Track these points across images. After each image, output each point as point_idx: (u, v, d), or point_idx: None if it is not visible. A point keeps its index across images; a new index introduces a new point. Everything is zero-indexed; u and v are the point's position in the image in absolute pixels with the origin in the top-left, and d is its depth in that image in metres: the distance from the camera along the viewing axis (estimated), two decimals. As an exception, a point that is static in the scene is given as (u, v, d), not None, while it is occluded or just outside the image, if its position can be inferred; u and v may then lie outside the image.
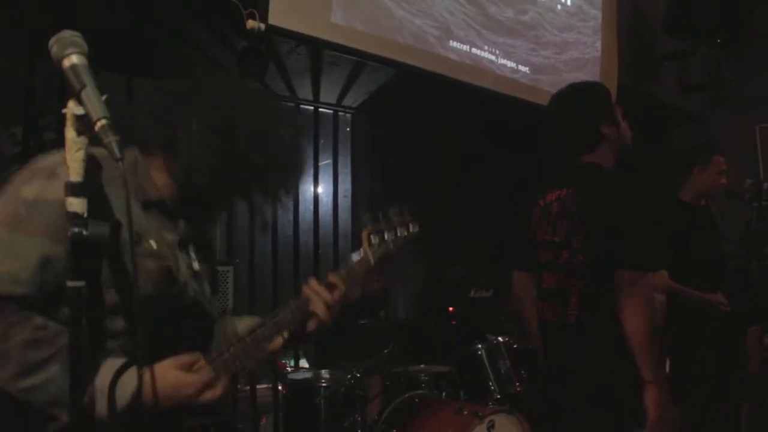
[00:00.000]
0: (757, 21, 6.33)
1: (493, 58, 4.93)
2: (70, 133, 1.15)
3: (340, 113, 5.84)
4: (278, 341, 1.75)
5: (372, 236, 2.06)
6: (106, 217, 1.34)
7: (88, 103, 1.11)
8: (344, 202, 5.94)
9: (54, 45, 1.17)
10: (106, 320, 1.40)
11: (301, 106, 5.53)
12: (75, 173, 1.13)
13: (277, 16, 3.60)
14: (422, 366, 4.11)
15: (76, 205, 1.12)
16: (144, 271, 1.45)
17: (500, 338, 4.09)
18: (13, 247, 1.31)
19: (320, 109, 5.69)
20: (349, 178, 5.94)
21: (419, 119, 5.74)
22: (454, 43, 4.61)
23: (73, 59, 1.15)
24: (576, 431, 2.64)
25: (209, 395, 1.53)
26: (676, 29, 6.02)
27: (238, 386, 4.02)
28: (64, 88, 1.23)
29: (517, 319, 4.49)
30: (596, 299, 2.55)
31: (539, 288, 2.83)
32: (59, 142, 1.19)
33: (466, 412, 3.34)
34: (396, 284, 5.00)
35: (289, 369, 4.81)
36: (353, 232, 5.90)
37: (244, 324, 1.79)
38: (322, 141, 5.75)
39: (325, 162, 5.82)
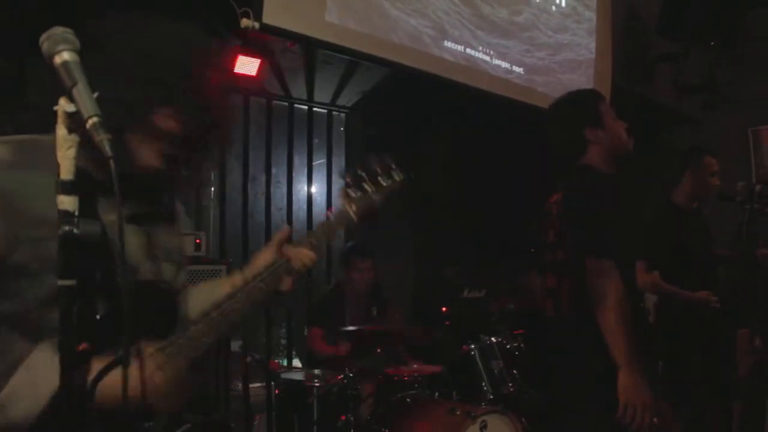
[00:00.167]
0: (750, 24, 6.36)
1: (487, 58, 4.93)
2: (61, 130, 1.15)
3: (334, 112, 5.84)
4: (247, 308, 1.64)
5: (351, 191, 1.95)
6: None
7: (79, 101, 1.10)
8: (338, 202, 5.92)
9: (45, 41, 1.16)
10: (44, 312, 1.34)
11: (295, 105, 5.53)
12: (66, 171, 1.13)
13: (272, 15, 3.59)
14: (415, 366, 4.11)
15: (67, 203, 1.11)
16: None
17: (493, 338, 4.09)
18: None
19: (314, 109, 5.69)
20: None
21: (413, 119, 5.74)
22: (448, 44, 4.61)
23: (65, 56, 1.14)
24: (575, 430, 2.71)
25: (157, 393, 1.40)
26: (670, 31, 6.03)
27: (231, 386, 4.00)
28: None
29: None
30: (584, 296, 2.61)
31: (545, 288, 2.92)
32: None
33: (458, 413, 3.35)
34: (387, 282, 4.98)
35: (282, 369, 4.82)
36: (346, 231, 5.90)
37: (217, 290, 1.72)
38: (316, 140, 5.75)
39: (319, 161, 5.81)
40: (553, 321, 2.85)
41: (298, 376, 4.00)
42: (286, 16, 3.71)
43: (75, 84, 1.11)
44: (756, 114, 6.60)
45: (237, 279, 1.75)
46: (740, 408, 4.56)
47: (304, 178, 5.71)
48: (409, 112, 5.61)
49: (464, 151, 6.18)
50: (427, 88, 4.89)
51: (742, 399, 4.54)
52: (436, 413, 3.46)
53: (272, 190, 5.41)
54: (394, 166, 2.03)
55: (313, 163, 5.74)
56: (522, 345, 4.21)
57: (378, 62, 4.33)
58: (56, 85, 1.14)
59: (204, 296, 1.76)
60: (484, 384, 3.92)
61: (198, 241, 3.84)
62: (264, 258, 1.77)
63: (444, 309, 5.47)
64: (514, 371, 4.05)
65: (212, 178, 5.19)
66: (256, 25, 3.55)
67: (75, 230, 1.11)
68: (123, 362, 1.21)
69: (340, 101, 5.66)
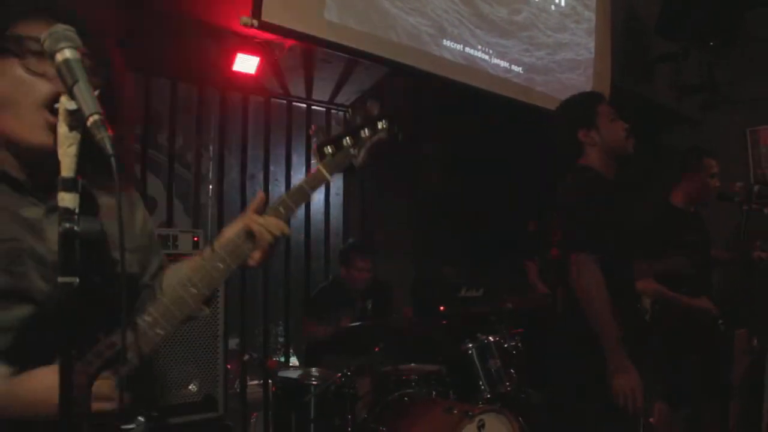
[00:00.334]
0: (750, 24, 6.36)
1: (486, 57, 4.92)
2: (62, 128, 1.15)
3: (332, 111, 5.83)
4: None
5: (326, 147, 1.70)
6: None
7: (80, 98, 1.10)
8: (336, 200, 5.93)
9: (46, 39, 1.16)
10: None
11: (294, 103, 5.52)
12: (67, 168, 1.13)
13: (270, 13, 3.58)
14: (412, 365, 4.11)
15: (68, 200, 1.11)
16: None
17: (491, 337, 4.09)
18: None
19: (313, 107, 5.68)
20: (341, 177, 5.92)
21: (412, 117, 5.74)
22: (447, 42, 4.60)
23: (66, 54, 1.14)
24: (571, 422, 2.84)
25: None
26: (670, 31, 6.03)
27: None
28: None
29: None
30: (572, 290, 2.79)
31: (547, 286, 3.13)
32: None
33: (456, 411, 3.35)
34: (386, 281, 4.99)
35: (279, 367, 4.82)
36: (345, 230, 5.90)
37: (181, 272, 1.60)
38: (314, 139, 5.74)
39: (318, 160, 5.80)
40: (551, 317, 2.94)
41: (296, 374, 4.00)
42: (285, 14, 3.70)
43: (76, 82, 1.11)
44: (755, 114, 6.61)
45: (200, 257, 1.61)
46: (738, 408, 4.56)
47: (303, 177, 5.69)
48: (407, 111, 5.61)
49: (463, 150, 6.18)
50: (426, 87, 4.89)
51: (739, 399, 4.55)
52: (433, 412, 3.46)
53: (270, 188, 5.41)
54: (378, 114, 1.74)
55: (312, 162, 5.73)
56: (519, 344, 4.22)
57: (377, 61, 4.32)
58: None
59: (171, 279, 1.66)
60: (481, 383, 3.92)
61: (196, 239, 3.83)
62: (232, 230, 1.62)
63: (441, 308, 5.47)
64: (512, 370, 4.05)
65: (210, 176, 5.20)
66: (255, 23, 3.54)
67: (76, 227, 1.11)
68: (121, 361, 1.22)
69: (339, 100, 5.65)
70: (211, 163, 5.20)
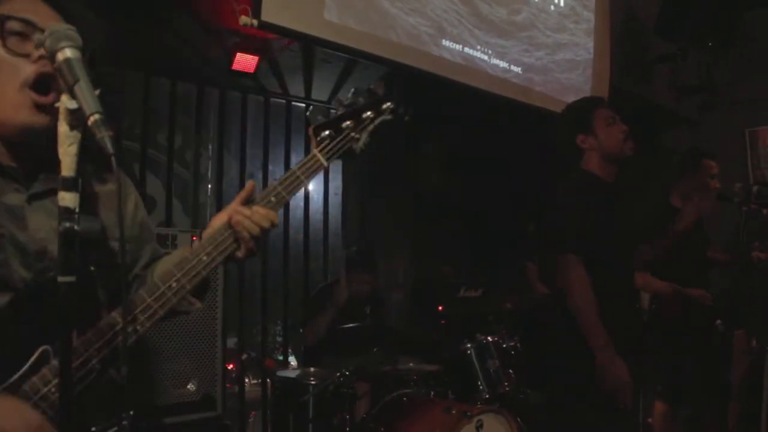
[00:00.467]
0: (748, 25, 6.36)
1: (485, 57, 4.93)
2: (62, 127, 1.14)
3: (332, 111, 5.82)
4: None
5: (324, 131, 1.57)
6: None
7: (81, 98, 1.10)
8: (335, 200, 5.93)
9: (47, 38, 1.16)
10: None
11: (293, 103, 5.52)
12: (67, 168, 1.12)
13: (270, 13, 3.58)
14: (411, 365, 4.11)
15: (68, 199, 1.11)
16: None
17: (489, 338, 4.09)
18: None
19: (312, 107, 5.68)
20: (339, 176, 5.93)
21: (411, 117, 5.73)
22: (446, 42, 4.60)
23: (67, 53, 1.14)
24: (570, 422, 2.92)
25: None
26: (669, 32, 6.03)
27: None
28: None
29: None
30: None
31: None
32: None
33: (454, 412, 3.34)
34: (384, 286, 4.99)
35: (277, 366, 4.81)
36: (344, 230, 5.90)
37: (166, 265, 1.54)
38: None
39: (317, 159, 5.80)
40: (550, 318, 3.00)
41: (294, 373, 3.99)
42: (284, 14, 3.70)
43: (77, 81, 1.11)
44: (754, 115, 6.62)
45: (188, 248, 1.56)
46: (737, 408, 4.57)
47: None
48: (407, 111, 5.59)
49: (462, 150, 6.18)
50: (426, 87, 4.89)
51: (739, 399, 4.55)
52: (432, 412, 3.46)
53: (270, 188, 5.40)
54: (383, 95, 1.65)
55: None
56: (518, 344, 4.22)
57: (376, 61, 4.32)
58: None
59: (160, 271, 1.59)
60: (480, 383, 3.92)
61: (195, 238, 3.83)
62: (219, 220, 1.54)
63: (440, 308, 5.47)
64: (510, 371, 4.05)
65: (209, 175, 5.19)
66: (255, 22, 3.54)
67: (76, 227, 1.11)
68: (123, 360, 1.21)
69: (338, 99, 5.65)
70: (210, 162, 5.20)
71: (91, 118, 1.07)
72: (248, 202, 1.54)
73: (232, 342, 4.86)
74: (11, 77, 1.33)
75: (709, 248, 4.39)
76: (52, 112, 1.29)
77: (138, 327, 1.38)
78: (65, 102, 1.13)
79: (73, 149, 1.13)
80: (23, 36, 1.34)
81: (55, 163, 1.15)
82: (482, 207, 5.98)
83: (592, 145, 3.07)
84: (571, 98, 5.07)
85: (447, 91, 4.86)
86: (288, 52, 4.37)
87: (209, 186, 5.19)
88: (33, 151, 1.28)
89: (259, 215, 1.50)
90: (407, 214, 6.24)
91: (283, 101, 5.46)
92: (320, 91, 5.42)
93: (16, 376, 1.24)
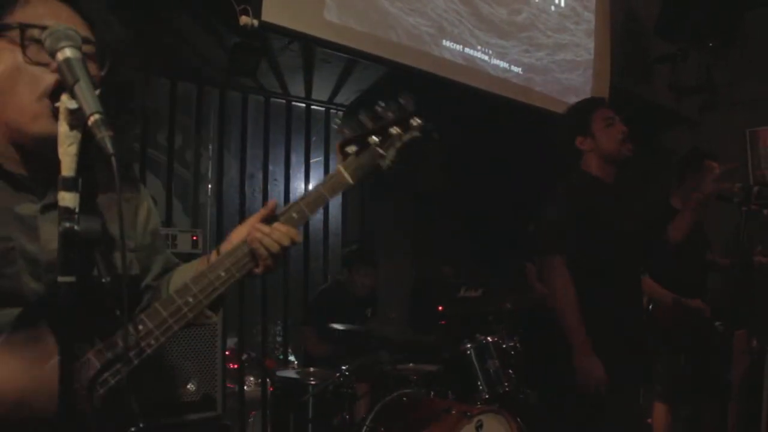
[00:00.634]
0: (749, 25, 6.36)
1: (485, 58, 4.93)
2: (62, 127, 1.14)
3: (332, 111, 5.83)
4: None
5: (350, 146, 1.49)
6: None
7: (81, 98, 1.09)
8: (334, 200, 5.92)
9: (47, 38, 1.16)
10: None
11: (293, 103, 5.52)
12: (67, 168, 1.12)
13: (270, 13, 3.58)
14: (411, 365, 4.11)
15: (68, 199, 1.11)
16: None
17: (489, 338, 4.09)
18: None
19: (312, 107, 5.68)
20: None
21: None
22: (447, 43, 4.60)
23: (67, 53, 1.13)
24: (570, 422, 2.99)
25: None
26: (669, 32, 6.03)
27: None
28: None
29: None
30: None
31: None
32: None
33: (454, 412, 3.35)
34: (385, 284, 4.99)
35: (277, 367, 4.82)
36: (344, 230, 5.90)
37: (185, 277, 1.49)
38: (313, 138, 5.74)
39: (316, 160, 5.81)
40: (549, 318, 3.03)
41: (294, 374, 4.00)
42: (285, 14, 3.70)
43: (77, 81, 1.11)
44: (754, 115, 6.61)
45: (206, 262, 1.53)
46: (737, 408, 4.57)
47: (302, 176, 5.70)
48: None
49: (462, 150, 6.18)
50: (426, 87, 4.88)
51: (739, 399, 4.55)
52: (432, 412, 3.46)
53: (269, 188, 5.40)
54: (412, 110, 1.56)
55: (311, 161, 5.73)
56: (518, 344, 4.22)
57: (376, 61, 4.32)
58: None
59: (176, 283, 1.56)
60: (479, 383, 3.92)
61: (195, 238, 3.83)
62: (239, 234, 1.51)
63: (440, 308, 5.47)
64: (510, 371, 4.05)
65: (209, 175, 5.19)
66: (255, 22, 3.54)
67: (76, 227, 1.10)
68: (125, 360, 1.20)
69: (338, 99, 5.65)
70: (210, 162, 5.20)
71: (91, 118, 1.07)
72: (269, 219, 1.51)
73: (232, 342, 4.87)
74: (30, 86, 1.30)
75: (709, 250, 4.39)
76: None
77: (152, 341, 1.36)
78: (65, 102, 1.13)
79: (73, 149, 1.13)
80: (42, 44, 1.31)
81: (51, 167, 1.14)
82: (482, 207, 5.97)
83: (590, 147, 3.11)
84: (571, 98, 5.08)
85: (447, 91, 4.86)
86: (288, 52, 4.36)
87: (209, 186, 5.19)
88: (48, 161, 1.24)
89: (280, 233, 1.46)
90: (407, 214, 6.24)
91: (283, 101, 5.46)
92: (320, 91, 5.42)
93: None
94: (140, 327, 1.35)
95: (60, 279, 1.10)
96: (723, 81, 6.55)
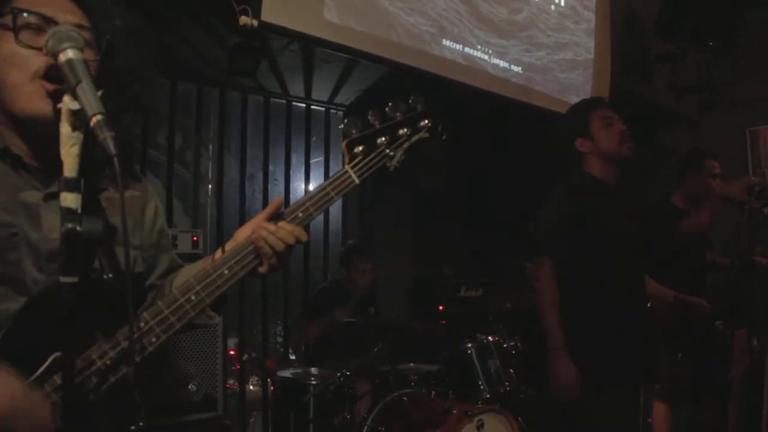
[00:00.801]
0: (748, 24, 6.36)
1: (486, 57, 4.92)
2: (65, 128, 1.14)
3: (332, 111, 5.83)
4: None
5: (357, 146, 1.49)
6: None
7: (83, 99, 1.10)
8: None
9: (50, 39, 1.16)
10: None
11: (293, 103, 5.52)
12: (69, 168, 1.12)
13: (270, 13, 3.58)
14: (412, 365, 4.11)
15: (71, 200, 1.11)
16: None
17: (490, 337, 4.09)
18: None
19: (312, 107, 5.68)
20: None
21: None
22: (447, 42, 4.60)
23: (69, 54, 1.14)
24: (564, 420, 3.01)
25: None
26: (669, 32, 6.03)
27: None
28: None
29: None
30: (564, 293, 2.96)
31: None
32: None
33: (455, 411, 3.35)
34: (385, 284, 4.99)
35: (278, 367, 4.81)
36: (344, 230, 5.90)
37: (187, 276, 1.48)
38: (313, 138, 5.74)
39: (317, 160, 5.81)
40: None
41: (295, 374, 4.00)
42: (284, 14, 3.70)
43: (79, 82, 1.11)
44: (754, 115, 6.62)
45: (210, 260, 1.52)
46: (737, 408, 4.57)
47: (302, 176, 5.70)
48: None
49: (463, 149, 6.18)
50: (426, 87, 4.88)
51: (739, 399, 4.55)
52: (432, 412, 3.46)
53: (269, 188, 5.40)
54: (421, 111, 1.57)
55: (311, 162, 5.73)
56: (518, 344, 4.22)
57: (376, 61, 4.32)
58: None
59: (180, 282, 1.54)
60: (480, 383, 3.92)
61: (195, 238, 3.83)
62: (243, 233, 1.50)
63: (441, 307, 5.47)
64: (511, 370, 4.05)
65: (209, 175, 5.19)
66: (255, 23, 3.54)
67: (78, 228, 1.10)
68: (129, 360, 1.20)
69: (338, 99, 5.65)
70: (210, 162, 5.20)
71: (94, 119, 1.07)
72: (275, 217, 1.50)
73: (232, 342, 4.87)
74: (23, 69, 1.31)
75: (709, 250, 4.39)
76: None
77: (154, 339, 1.36)
78: (67, 103, 1.13)
79: (75, 150, 1.13)
80: (38, 29, 1.32)
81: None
82: (482, 207, 5.97)
83: (590, 149, 3.11)
84: (571, 98, 5.08)
85: (447, 91, 4.86)
86: (288, 52, 4.36)
87: (209, 186, 5.19)
88: (54, 150, 1.25)
89: (285, 231, 1.46)
90: (407, 214, 6.24)
91: (283, 101, 5.46)
92: (320, 91, 5.42)
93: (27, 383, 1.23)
94: (141, 324, 1.35)
95: (62, 280, 1.10)
96: (723, 81, 6.55)
